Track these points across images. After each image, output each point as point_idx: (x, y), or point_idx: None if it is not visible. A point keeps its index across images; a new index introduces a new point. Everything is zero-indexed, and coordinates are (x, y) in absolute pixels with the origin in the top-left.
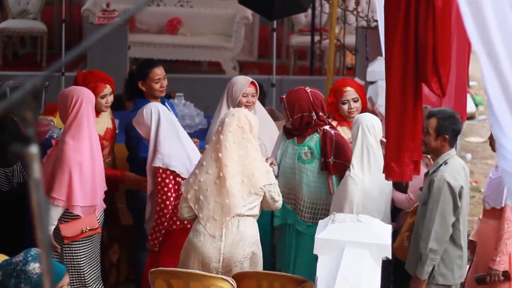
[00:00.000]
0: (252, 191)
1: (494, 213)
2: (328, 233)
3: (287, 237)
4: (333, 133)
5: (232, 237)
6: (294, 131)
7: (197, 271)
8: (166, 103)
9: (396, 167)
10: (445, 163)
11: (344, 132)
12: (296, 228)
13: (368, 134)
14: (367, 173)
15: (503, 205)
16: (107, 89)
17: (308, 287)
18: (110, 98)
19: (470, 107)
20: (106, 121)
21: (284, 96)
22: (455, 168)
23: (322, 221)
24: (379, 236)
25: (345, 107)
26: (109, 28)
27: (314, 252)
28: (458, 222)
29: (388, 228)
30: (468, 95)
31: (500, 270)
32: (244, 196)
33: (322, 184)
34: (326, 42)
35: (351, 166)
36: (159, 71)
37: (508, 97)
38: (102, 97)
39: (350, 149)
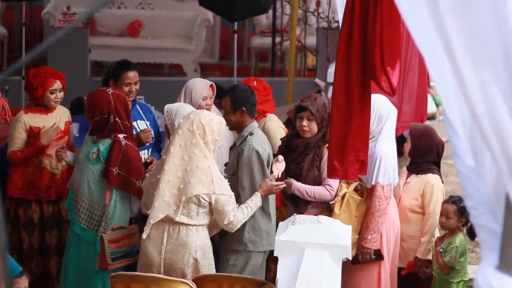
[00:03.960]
0: (184, 198)
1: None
2: (288, 234)
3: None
4: (123, 143)
5: (173, 243)
6: (93, 130)
7: (158, 275)
8: (137, 105)
9: (339, 166)
10: (251, 133)
11: None
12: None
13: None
14: None
15: (373, 183)
16: (57, 84)
17: None
18: (60, 95)
19: (431, 108)
20: (64, 114)
21: (85, 97)
22: (261, 138)
23: (282, 223)
24: (339, 237)
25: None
26: (67, 30)
27: (275, 254)
28: None
29: (348, 229)
30: (429, 95)
31: (372, 248)
32: (178, 202)
33: (101, 190)
34: (287, 43)
35: None
36: (131, 75)
37: (458, 96)
38: (52, 92)
39: (139, 165)
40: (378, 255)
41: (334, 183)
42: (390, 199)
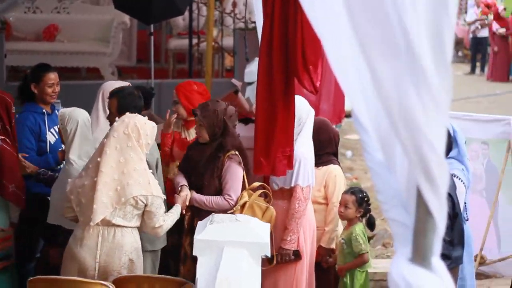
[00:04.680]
0: (123, 199)
1: (283, 193)
2: (207, 234)
3: None
4: None
5: (108, 246)
6: None
7: (76, 278)
8: (56, 111)
9: (265, 162)
10: None
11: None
12: None
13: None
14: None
15: (292, 185)
16: None
17: None
18: None
19: (349, 106)
20: None
21: None
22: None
23: (200, 222)
24: (258, 235)
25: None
26: None
27: (194, 253)
28: None
29: (266, 227)
30: None
31: (291, 249)
32: (115, 204)
33: None
34: (204, 44)
35: (71, 161)
36: (53, 76)
37: (365, 91)
38: None
39: (15, 169)
40: (297, 255)
41: (234, 193)
42: (309, 200)
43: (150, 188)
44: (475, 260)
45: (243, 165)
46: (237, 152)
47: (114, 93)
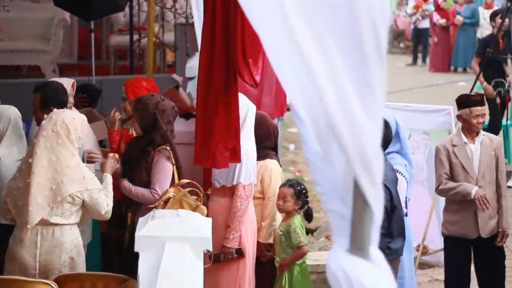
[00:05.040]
0: (59, 198)
1: (225, 191)
2: (148, 230)
3: None
4: None
5: (48, 245)
6: None
7: (19, 277)
8: None
9: (205, 155)
10: None
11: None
12: None
13: None
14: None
15: (234, 183)
16: None
17: (130, 285)
18: None
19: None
20: None
21: None
22: None
23: (142, 218)
24: (199, 230)
25: None
26: None
27: (136, 250)
28: None
29: (208, 221)
30: None
31: (233, 247)
32: (52, 203)
33: None
34: (145, 40)
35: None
36: None
37: (302, 82)
38: None
39: None
40: (240, 253)
41: (160, 187)
42: (251, 198)
43: (85, 182)
44: (417, 250)
45: (174, 161)
46: (167, 147)
47: (38, 88)
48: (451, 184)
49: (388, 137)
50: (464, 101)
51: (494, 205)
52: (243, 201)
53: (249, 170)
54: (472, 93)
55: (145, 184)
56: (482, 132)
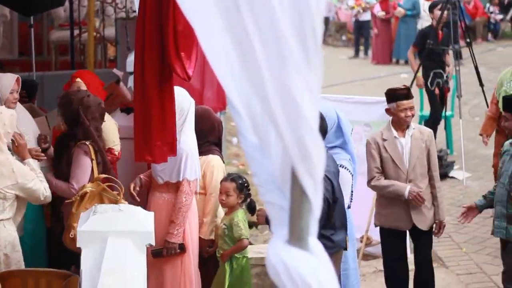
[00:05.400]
0: None
1: (168, 187)
2: (90, 225)
3: None
4: None
5: None
6: None
7: None
8: None
9: (145, 150)
10: None
11: None
12: None
13: None
14: None
15: (180, 179)
16: None
17: (73, 281)
18: None
19: None
20: None
21: None
22: None
23: (83, 214)
24: (141, 224)
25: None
26: None
27: (77, 245)
28: None
29: (150, 216)
30: None
31: (177, 242)
32: None
33: None
34: (86, 35)
35: None
36: None
37: (236, 72)
38: None
39: None
40: (182, 248)
41: (77, 182)
42: (196, 194)
43: (15, 176)
44: (361, 241)
45: (95, 156)
46: (87, 142)
47: None
48: (383, 181)
49: (324, 128)
50: (391, 95)
51: (429, 197)
52: (188, 196)
53: (194, 165)
54: (399, 87)
55: (65, 178)
56: (412, 125)
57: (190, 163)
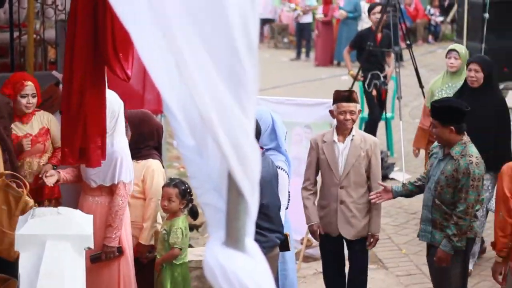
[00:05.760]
0: None
1: (101, 190)
2: (28, 228)
3: None
4: None
5: None
6: None
7: None
8: None
9: (69, 153)
10: None
11: None
12: None
13: None
14: None
15: (116, 182)
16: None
17: (12, 285)
18: None
19: None
20: None
21: None
22: None
23: (22, 217)
24: (80, 227)
25: (24, 101)
26: None
27: (16, 249)
28: None
29: (89, 219)
30: None
31: (115, 246)
32: None
33: None
34: (26, 37)
35: None
36: None
37: (173, 76)
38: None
39: None
40: (120, 251)
41: None
42: (130, 196)
43: None
44: (301, 244)
45: (7, 155)
46: None
47: None
48: (306, 200)
49: (258, 130)
50: (334, 96)
51: (363, 207)
52: (123, 199)
53: (129, 167)
54: (343, 89)
55: None
56: (354, 131)
57: (125, 165)
